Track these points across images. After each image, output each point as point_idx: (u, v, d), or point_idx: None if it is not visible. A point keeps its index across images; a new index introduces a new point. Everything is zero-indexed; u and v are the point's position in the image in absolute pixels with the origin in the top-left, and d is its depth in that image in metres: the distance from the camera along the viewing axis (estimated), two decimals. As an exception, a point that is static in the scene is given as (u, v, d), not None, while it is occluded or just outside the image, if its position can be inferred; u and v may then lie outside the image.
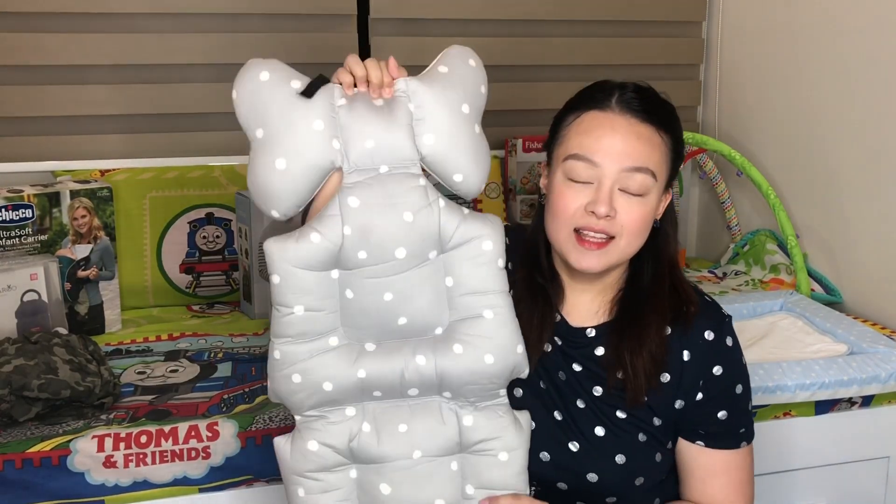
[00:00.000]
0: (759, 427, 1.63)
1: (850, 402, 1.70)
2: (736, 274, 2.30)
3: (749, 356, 1.72)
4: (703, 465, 1.20)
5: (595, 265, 1.14)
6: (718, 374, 1.18)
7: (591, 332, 1.21)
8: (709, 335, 1.18)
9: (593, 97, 1.16)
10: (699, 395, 1.18)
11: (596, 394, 1.18)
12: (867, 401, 1.71)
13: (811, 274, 2.13)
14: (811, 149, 2.17)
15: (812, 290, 2.08)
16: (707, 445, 1.20)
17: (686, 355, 1.18)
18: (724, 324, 1.20)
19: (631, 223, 1.12)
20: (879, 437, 1.74)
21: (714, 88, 2.54)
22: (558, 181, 1.15)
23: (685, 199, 2.54)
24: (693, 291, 1.22)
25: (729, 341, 1.20)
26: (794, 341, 1.80)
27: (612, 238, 1.13)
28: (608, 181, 1.12)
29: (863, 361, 1.68)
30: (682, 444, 1.21)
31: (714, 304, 1.22)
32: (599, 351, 1.19)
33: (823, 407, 1.69)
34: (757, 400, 1.60)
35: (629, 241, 1.14)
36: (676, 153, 1.17)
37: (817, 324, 1.86)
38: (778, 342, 1.80)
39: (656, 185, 1.14)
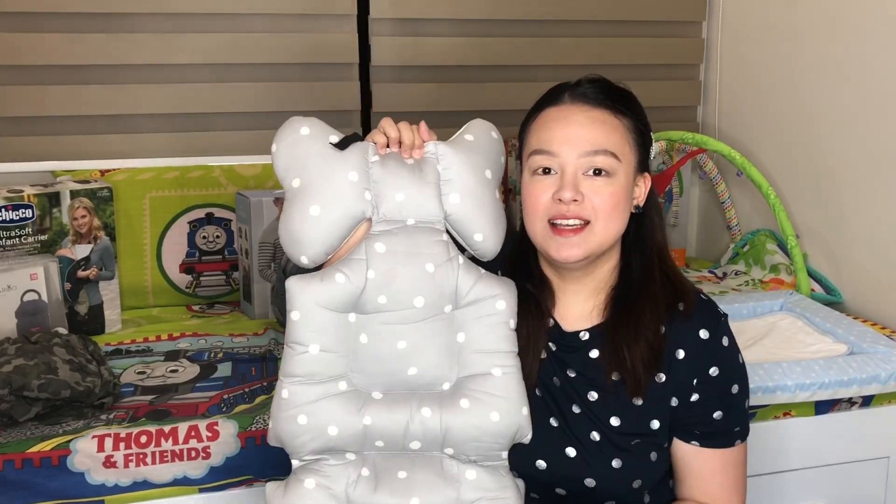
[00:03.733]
0: (759, 427, 1.64)
1: (850, 403, 1.70)
2: (736, 274, 2.30)
3: (749, 356, 1.72)
4: (698, 464, 1.20)
5: (575, 254, 1.14)
6: (714, 374, 1.18)
7: (585, 336, 1.20)
8: (704, 334, 1.18)
9: (549, 96, 1.20)
10: (694, 396, 1.18)
11: (591, 399, 1.18)
12: (867, 401, 1.71)
13: (811, 274, 2.13)
14: (811, 149, 2.17)
15: (812, 290, 2.08)
16: (702, 445, 1.19)
17: (681, 353, 1.17)
18: (719, 323, 1.20)
19: (602, 204, 1.13)
20: (879, 437, 1.74)
21: (714, 88, 2.54)
22: (525, 179, 1.18)
23: (685, 200, 2.54)
24: (686, 280, 1.22)
25: (725, 341, 1.20)
26: (794, 341, 1.80)
27: (587, 223, 1.14)
28: (570, 168, 1.14)
29: (863, 361, 1.68)
30: (677, 443, 1.21)
31: (710, 303, 1.22)
32: (594, 354, 1.19)
33: (823, 407, 1.69)
34: (757, 400, 1.61)
35: (605, 223, 1.14)
36: (640, 133, 1.19)
37: (817, 324, 1.86)
38: (778, 342, 1.80)
39: (622, 166, 1.15)
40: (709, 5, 2.54)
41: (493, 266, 1.21)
